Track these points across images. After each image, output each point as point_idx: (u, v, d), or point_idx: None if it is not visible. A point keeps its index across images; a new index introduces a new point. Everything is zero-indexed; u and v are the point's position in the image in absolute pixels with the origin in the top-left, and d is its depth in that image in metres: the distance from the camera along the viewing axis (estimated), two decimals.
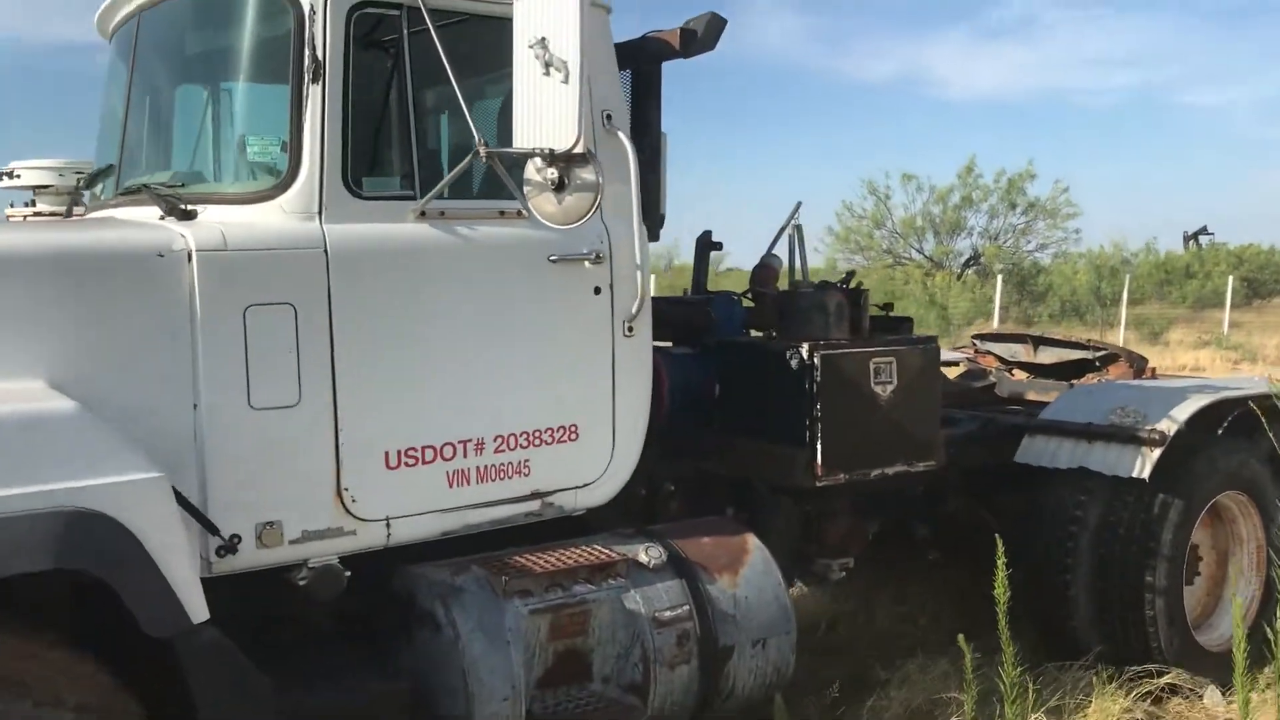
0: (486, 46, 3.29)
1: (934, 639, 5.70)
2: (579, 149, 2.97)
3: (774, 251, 5.01)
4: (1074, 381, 6.35)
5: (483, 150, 3.07)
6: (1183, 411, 4.93)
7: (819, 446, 3.99)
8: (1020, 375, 6.60)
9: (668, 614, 3.45)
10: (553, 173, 3.04)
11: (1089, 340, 6.28)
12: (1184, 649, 4.97)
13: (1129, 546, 4.89)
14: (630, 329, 3.63)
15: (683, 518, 4.29)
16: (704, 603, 3.54)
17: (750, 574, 3.69)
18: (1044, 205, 37.29)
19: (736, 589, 3.63)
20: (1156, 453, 4.79)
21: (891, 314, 4.85)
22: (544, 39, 2.94)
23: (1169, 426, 4.84)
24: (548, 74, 2.94)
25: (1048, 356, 6.40)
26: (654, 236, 4.12)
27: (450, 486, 3.34)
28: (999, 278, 25.70)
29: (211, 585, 3.12)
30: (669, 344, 4.68)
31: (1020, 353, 6.51)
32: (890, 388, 4.17)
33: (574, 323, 3.54)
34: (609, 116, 3.60)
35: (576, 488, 3.60)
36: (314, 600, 3.16)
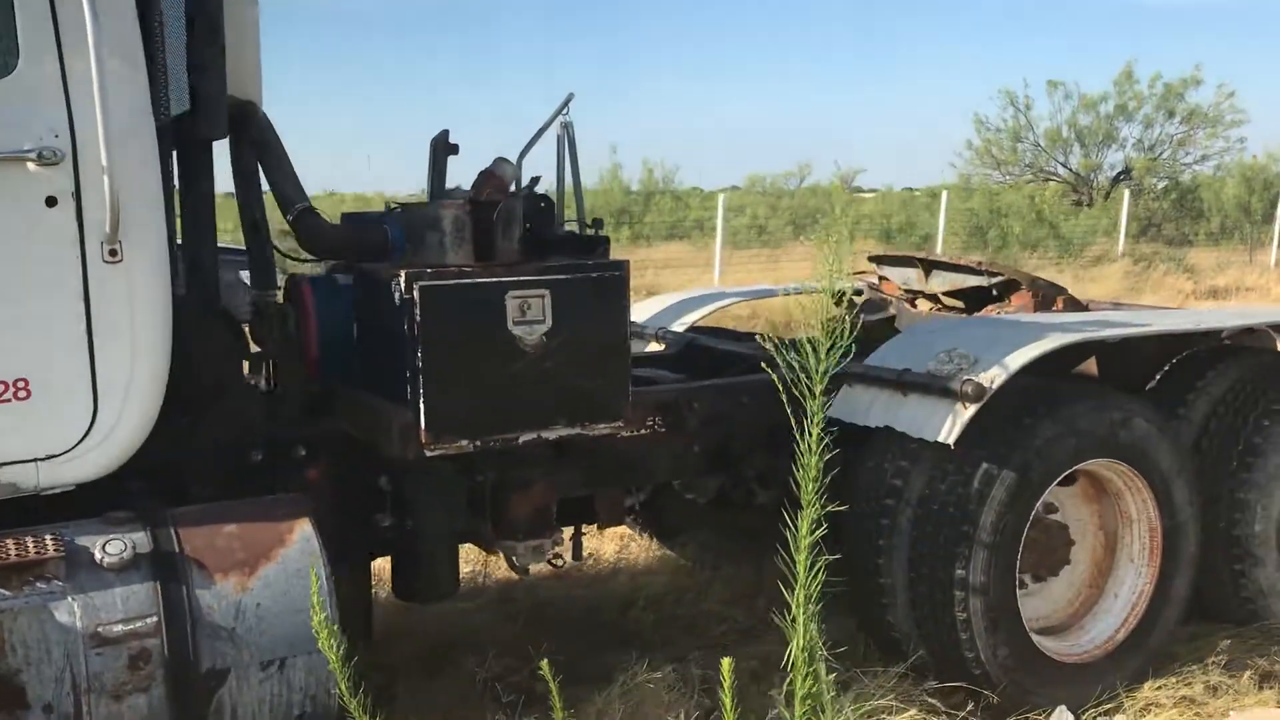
0: None
1: (760, 627, 4.75)
2: None
3: (505, 159, 4.03)
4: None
5: None
6: (1020, 357, 3.80)
7: (422, 406, 3.08)
8: (925, 306, 5.45)
9: (118, 628, 2.64)
10: None
11: (980, 263, 5.07)
12: (1018, 662, 3.88)
13: (941, 529, 3.82)
14: (114, 253, 2.78)
15: (318, 489, 3.46)
16: (183, 613, 2.70)
17: (274, 575, 2.83)
18: (1205, 113, 34.23)
19: (245, 594, 2.78)
20: (970, 410, 3.68)
21: (597, 233, 3.82)
22: None
23: (992, 377, 3.72)
24: None
25: (940, 283, 5.22)
26: (218, 131, 3.22)
27: None
28: (1126, 193, 23.44)
29: None
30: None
31: (913, 279, 5.34)
32: (541, 329, 3.20)
33: (14, 245, 2.71)
34: None
35: (37, 460, 2.79)
36: None
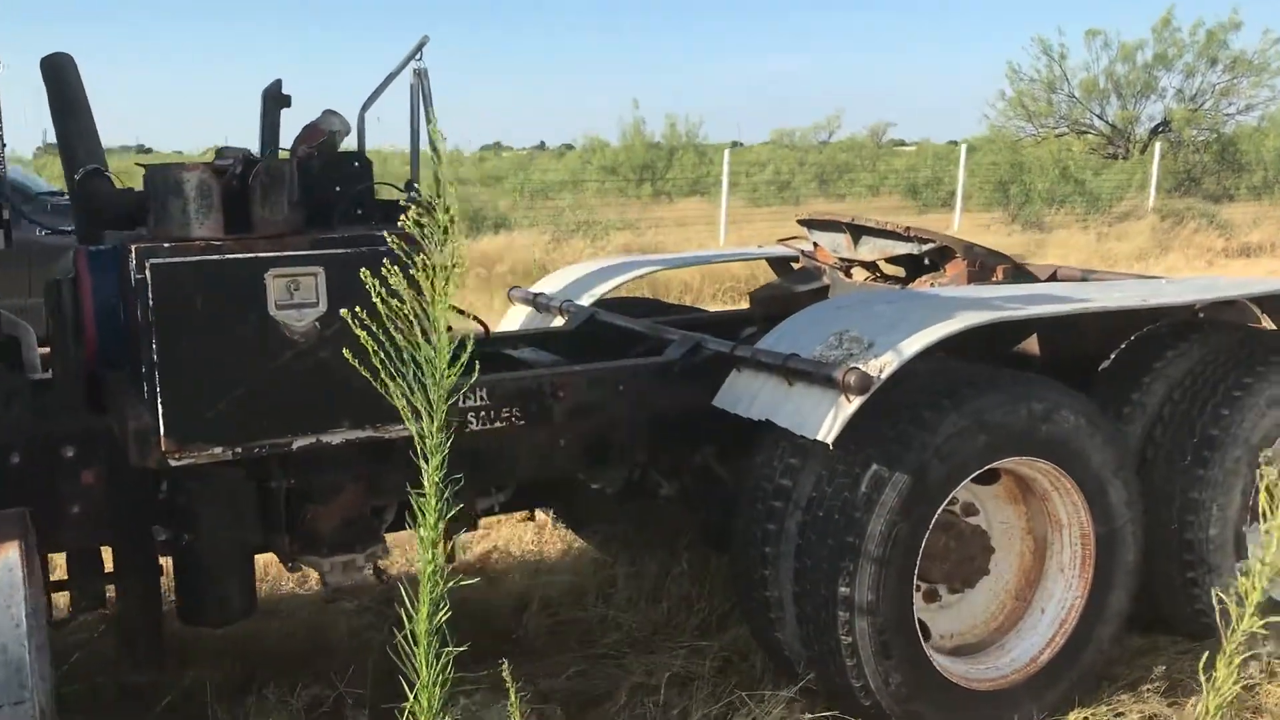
0: None
1: (656, 636, 4.27)
2: None
3: (333, 111, 3.52)
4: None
5: None
6: (918, 341, 3.26)
7: (160, 407, 2.60)
8: (861, 275, 4.88)
9: None
10: None
11: (909, 229, 4.49)
12: (917, 690, 3.37)
13: (826, 539, 3.30)
14: None
15: (91, 496, 3.01)
16: None
17: None
18: (1250, 60, 33.01)
19: None
20: (854, 403, 3.15)
21: (411, 196, 3.29)
22: None
23: (882, 365, 3.19)
24: None
25: (868, 250, 4.64)
26: None
27: None
28: (1157, 146, 22.48)
29: None
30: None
31: (842, 244, 4.77)
32: (313, 314, 2.71)
33: None
34: None
35: None
36: None
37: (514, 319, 5.16)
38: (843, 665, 3.30)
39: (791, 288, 4.89)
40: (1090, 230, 18.92)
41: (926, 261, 4.44)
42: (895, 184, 31.22)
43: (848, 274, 4.86)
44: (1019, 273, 4.44)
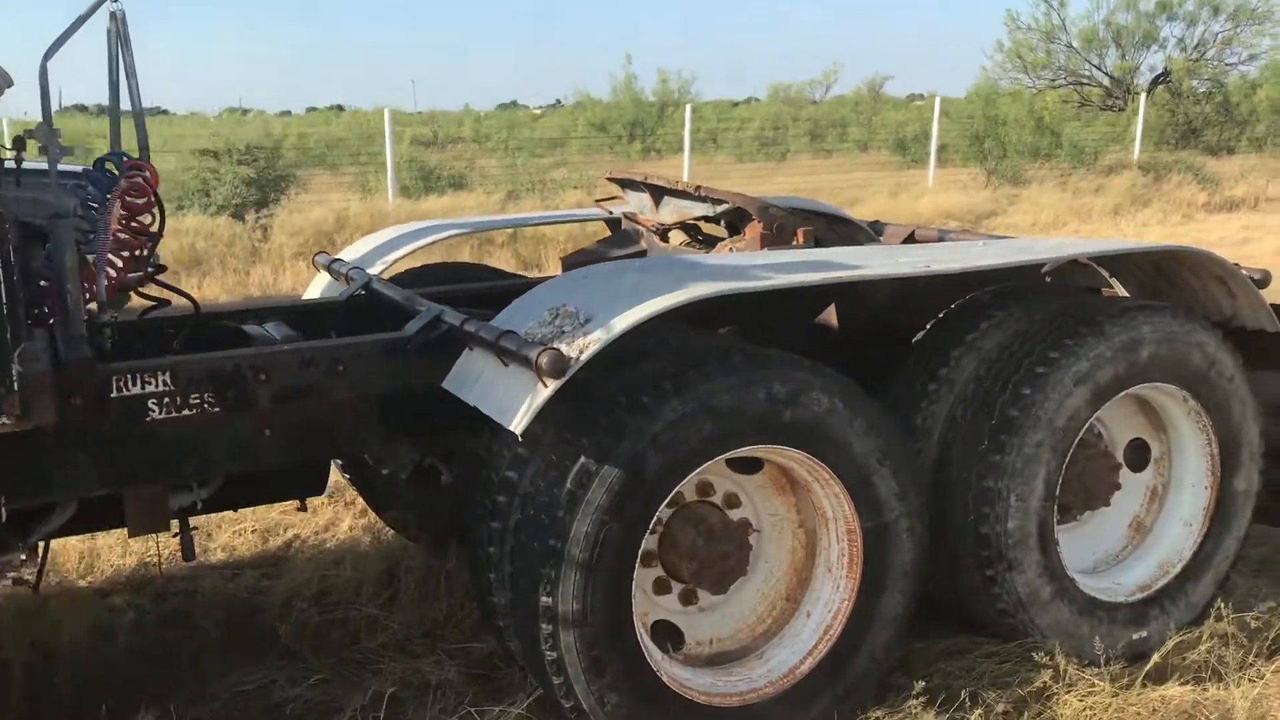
0: None
1: (418, 640, 3.91)
2: None
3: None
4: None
5: None
6: (629, 318, 2.85)
7: None
8: (679, 238, 4.45)
9: None
10: None
11: (699, 188, 4.04)
12: (641, 710, 3.00)
13: (532, 542, 2.92)
14: None
15: None
16: None
17: None
18: (1252, 8, 32.29)
19: None
20: (549, 389, 2.76)
21: (18, 156, 2.89)
22: None
23: (584, 345, 2.78)
24: None
25: (670, 212, 4.21)
26: None
27: None
28: (1142, 96, 21.80)
29: None
30: None
31: (647, 205, 4.34)
32: None
33: None
34: None
35: None
36: None
37: (316, 287, 4.77)
38: (550, 683, 2.92)
39: (605, 252, 4.48)
40: (1069, 186, 18.36)
41: (722, 224, 4.01)
42: (886, 139, 30.61)
43: (664, 238, 4.44)
44: (836, 233, 4.01)
